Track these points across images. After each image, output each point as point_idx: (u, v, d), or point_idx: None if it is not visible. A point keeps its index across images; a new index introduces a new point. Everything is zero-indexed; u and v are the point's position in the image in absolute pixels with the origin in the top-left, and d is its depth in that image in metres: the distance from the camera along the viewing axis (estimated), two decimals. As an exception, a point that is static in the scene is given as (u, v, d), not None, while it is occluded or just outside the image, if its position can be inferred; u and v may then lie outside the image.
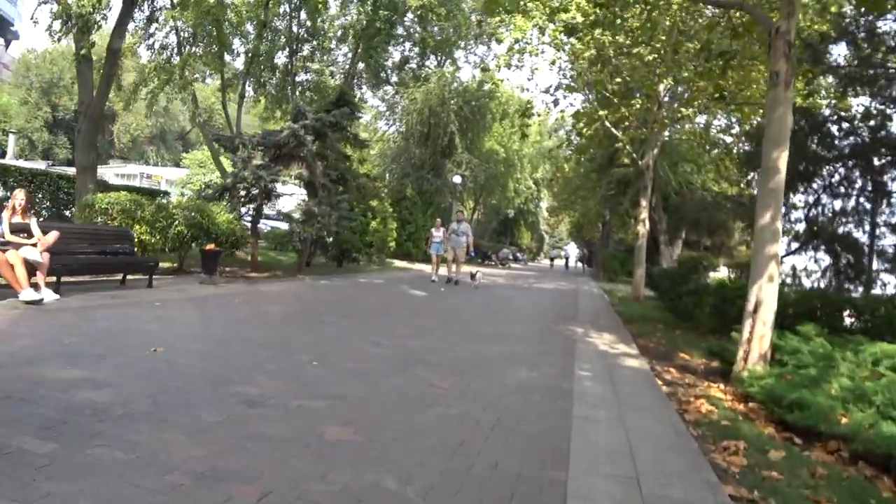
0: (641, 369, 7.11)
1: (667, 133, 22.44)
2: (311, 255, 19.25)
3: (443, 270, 18.30)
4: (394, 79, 36.34)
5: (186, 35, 21.78)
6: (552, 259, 68.00)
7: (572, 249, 64.62)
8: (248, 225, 15.40)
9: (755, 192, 16.07)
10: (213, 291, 10.90)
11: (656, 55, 15.16)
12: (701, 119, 22.08)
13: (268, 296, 11.32)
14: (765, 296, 6.63)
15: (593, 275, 41.25)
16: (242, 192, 14.50)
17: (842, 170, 14.31)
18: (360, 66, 31.61)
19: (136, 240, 11.88)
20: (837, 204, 14.90)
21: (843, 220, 15.24)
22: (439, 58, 36.87)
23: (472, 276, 17.58)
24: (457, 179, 33.04)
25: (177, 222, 12.52)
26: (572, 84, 18.75)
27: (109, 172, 53.59)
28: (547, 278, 29.77)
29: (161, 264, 13.81)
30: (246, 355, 5.68)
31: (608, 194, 30.49)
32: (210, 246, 12.16)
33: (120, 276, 10.76)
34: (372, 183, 25.73)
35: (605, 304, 16.92)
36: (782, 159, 6.64)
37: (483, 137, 39.61)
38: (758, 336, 6.63)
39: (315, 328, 7.82)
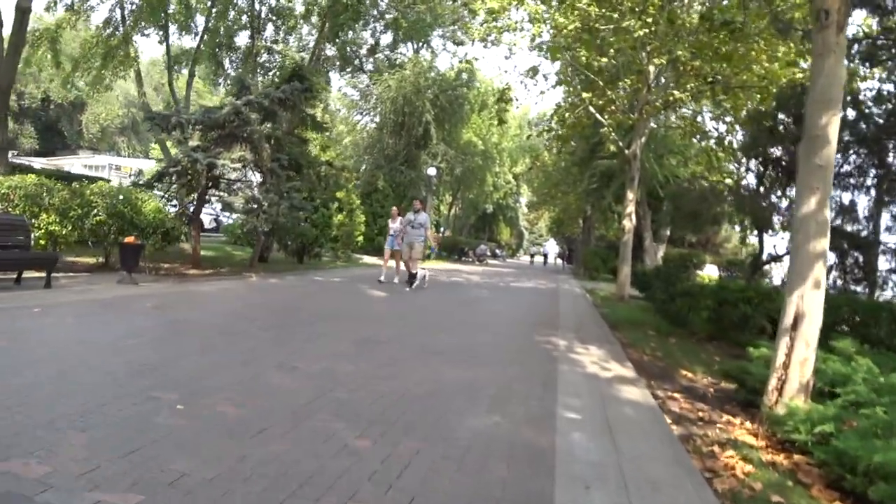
0: (645, 404, 5.43)
1: (653, 122, 20.90)
2: (265, 249, 17.48)
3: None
4: (369, 67, 34.58)
5: (133, 8, 19.84)
6: (532, 256, 66.61)
7: (552, 246, 63.50)
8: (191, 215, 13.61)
9: (751, 183, 14.54)
10: (127, 293, 9.11)
11: (647, 30, 13.53)
12: (689, 108, 20.64)
13: (194, 298, 9.53)
14: (808, 307, 4.99)
15: (574, 272, 39.75)
16: (180, 178, 12.68)
17: (853, 158, 12.76)
18: (331, 51, 29.89)
19: (41, 231, 10.09)
20: (846, 197, 13.31)
21: (852, 214, 13.68)
22: (415, 45, 35.22)
23: (411, 277, 14.04)
24: (431, 171, 31.34)
25: (95, 211, 10.70)
26: (554, 53, 17.01)
27: (77, 163, 51.48)
28: (526, 276, 28.14)
29: (84, 260, 12.06)
30: (74, 395, 3.88)
31: (590, 188, 28.97)
32: (129, 239, 10.32)
33: (15, 275, 9.02)
34: (338, 172, 23.95)
35: (589, 305, 15.31)
36: (833, 125, 5.01)
37: (460, 129, 37.97)
38: (798, 360, 5.00)
39: (222, 344, 6.04)
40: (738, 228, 19.40)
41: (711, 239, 33.46)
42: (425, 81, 32.65)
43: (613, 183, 26.64)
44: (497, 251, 58.15)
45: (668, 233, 29.10)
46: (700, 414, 5.54)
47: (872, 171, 13.08)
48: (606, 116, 16.84)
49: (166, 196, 13.78)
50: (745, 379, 5.96)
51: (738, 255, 32.07)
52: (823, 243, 5.04)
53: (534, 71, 18.44)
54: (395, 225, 15.35)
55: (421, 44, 34.60)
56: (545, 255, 60.50)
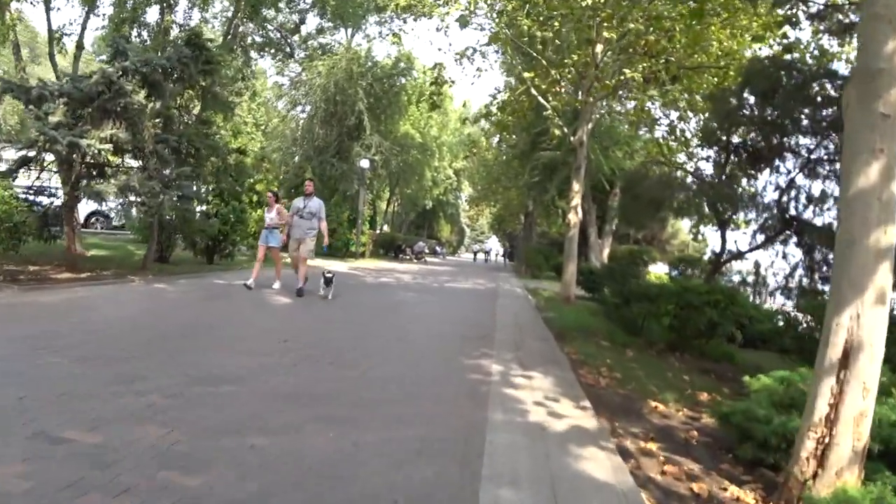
0: (615, 479, 3.57)
1: (601, 109, 19.35)
2: (165, 248, 15.17)
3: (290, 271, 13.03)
4: (302, 55, 32.22)
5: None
6: (475, 253, 65.34)
7: (494, 243, 62.70)
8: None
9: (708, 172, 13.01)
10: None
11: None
12: (638, 96, 19.17)
13: (12, 314, 7.24)
14: (867, 332, 3.25)
15: (516, 270, 38.25)
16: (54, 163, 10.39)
17: (827, 144, 11.29)
18: (256, 34, 27.60)
19: None
20: (816, 187, 11.83)
21: (822, 206, 12.15)
22: (349, 31, 33.05)
23: (327, 281, 11.05)
24: (364, 163, 29.21)
25: None
26: (493, 31, 15.19)
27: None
28: (463, 275, 26.34)
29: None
30: None
31: (532, 181, 27.32)
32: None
33: None
34: (257, 162, 21.69)
35: (531, 309, 13.55)
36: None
37: (397, 120, 35.93)
38: (851, 414, 3.26)
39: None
40: (689, 222, 17.97)
41: (658, 235, 32.31)
42: (359, 68, 30.50)
43: (557, 175, 25.04)
44: (437, 248, 56.50)
45: (615, 228, 27.77)
46: (694, 486, 3.76)
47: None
48: (550, 99, 15.10)
49: (32, 187, 11.49)
50: (751, 428, 4.18)
51: (685, 251, 31.03)
52: (891, 235, 3.27)
53: (467, 52, 16.66)
54: (271, 215, 12.04)
55: (355, 29, 32.46)
56: (486, 253, 59.67)
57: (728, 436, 4.59)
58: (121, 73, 10.43)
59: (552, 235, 41.22)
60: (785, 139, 11.64)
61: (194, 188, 12.75)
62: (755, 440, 4.12)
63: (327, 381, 5.11)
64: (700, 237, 17.97)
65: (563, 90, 15.14)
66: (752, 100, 11.64)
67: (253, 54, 34.40)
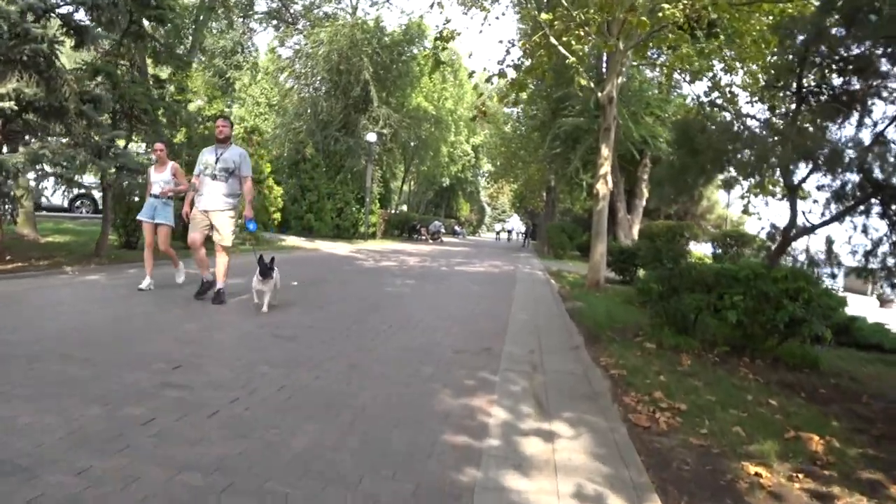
0: None
1: (631, 62, 16.84)
2: (132, 231, 13.09)
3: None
4: (306, 25, 29.96)
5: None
6: (497, 232, 63.08)
7: (515, 222, 60.48)
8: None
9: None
10: None
11: None
12: (667, 51, 16.65)
13: None
14: None
15: (537, 250, 35.88)
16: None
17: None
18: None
19: None
20: (914, 143, 9.28)
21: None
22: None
23: (263, 272, 6.92)
24: (371, 137, 26.91)
25: None
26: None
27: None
28: (479, 256, 24.02)
29: None
30: None
31: (553, 153, 24.89)
32: None
33: None
34: (246, 136, 19.50)
35: (553, 299, 11.24)
36: None
37: (409, 93, 33.56)
38: None
39: None
40: (739, 190, 15.43)
41: (692, 209, 29.73)
42: (362, 34, 28.13)
43: (581, 144, 22.63)
44: (456, 228, 54.26)
45: (644, 202, 25.28)
46: None
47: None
48: (574, 43, 12.64)
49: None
50: None
51: (722, 227, 28.41)
52: None
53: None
54: (161, 176, 8.25)
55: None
56: (509, 232, 57.51)
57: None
58: (24, 10, 8.20)
59: (576, 212, 38.75)
60: (875, 82, 9.12)
61: (139, 158, 10.54)
62: None
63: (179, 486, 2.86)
64: (753, 209, 15.45)
65: (587, 34, 12.64)
66: (832, 30, 9.18)
67: (254, 25, 32.41)
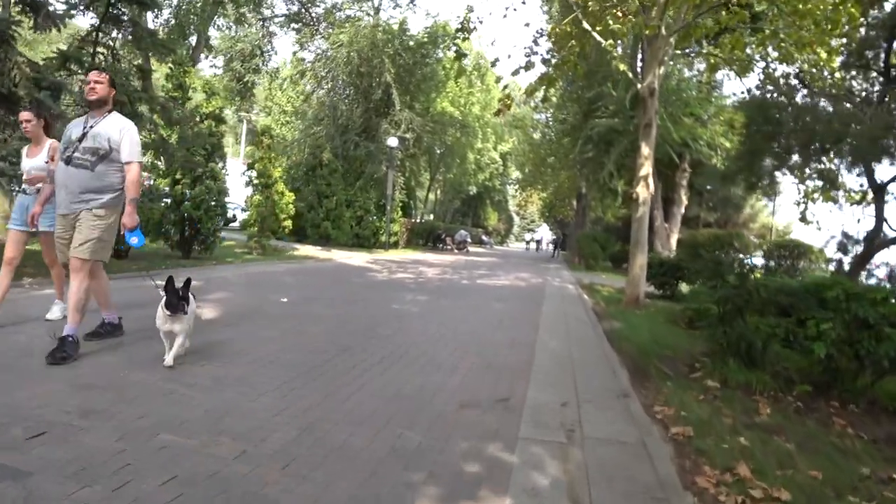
0: None
1: (669, 54, 15.25)
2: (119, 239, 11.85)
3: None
4: (326, 26, 28.88)
5: None
6: (528, 242, 61.61)
7: (544, 231, 59.33)
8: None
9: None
10: None
11: None
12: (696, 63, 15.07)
13: None
14: None
15: (567, 260, 34.23)
16: None
17: None
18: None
19: None
20: None
21: None
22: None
23: (171, 306, 4.36)
24: (392, 142, 25.58)
25: None
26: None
27: None
28: (505, 268, 22.47)
29: None
30: None
31: (585, 157, 23.30)
32: None
33: None
34: (258, 138, 18.26)
35: (587, 318, 9.70)
36: None
37: (434, 98, 32.25)
38: None
39: None
40: (797, 194, 13.75)
41: (733, 218, 27.89)
42: (383, 34, 26.88)
43: (615, 148, 21.02)
44: (483, 238, 52.73)
45: (683, 210, 23.55)
46: None
47: None
48: (611, 23, 11.14)
49: None
50: None
51: (766, 237, 26.54)
52: None
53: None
54: (34, 161, 5.62)
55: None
56: (538, 242, 56.08)
57: None
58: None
59: (608, 221, 37.03)
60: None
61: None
62: None
63: None
64: (811, 216, 13.76)
65: (625, 14, 11.14)
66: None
67: (274, 29, 31.37)
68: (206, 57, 23.62)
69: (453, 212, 55.73)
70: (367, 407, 3.90)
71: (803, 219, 13.76)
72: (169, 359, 4.41)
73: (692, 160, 22.31)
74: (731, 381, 5.90)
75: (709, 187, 26.97)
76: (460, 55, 14.44)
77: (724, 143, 20.88)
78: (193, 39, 22.19)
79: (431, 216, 50.42)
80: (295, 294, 9.36)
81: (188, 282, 4.52)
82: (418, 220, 40.16)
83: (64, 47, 9.48)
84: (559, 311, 10.12)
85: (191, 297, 4.54)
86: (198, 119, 13.40)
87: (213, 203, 13.57)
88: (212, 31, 32.00)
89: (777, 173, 9.10)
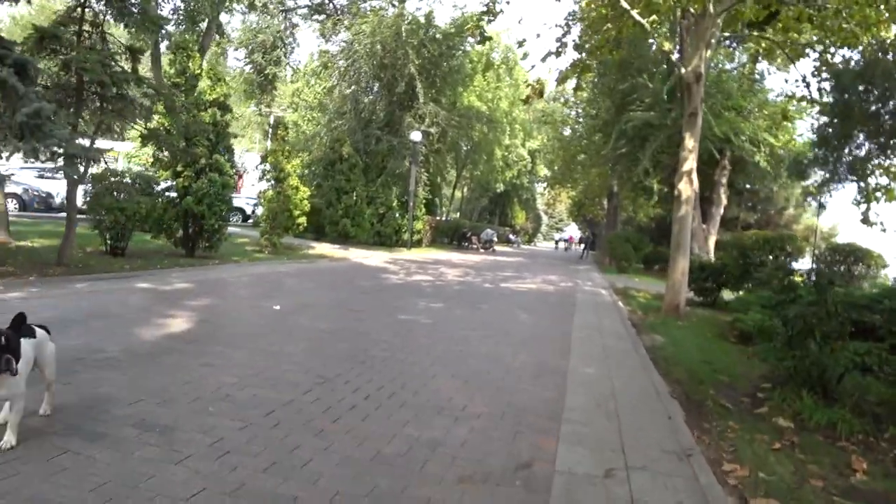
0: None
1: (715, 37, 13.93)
2: (119, 236, 10.93)
3: None
4: (349, 17, 27.85)
5: None
6: (556, 241, 60.31)
7: (573, 231, 58.08)
8: None
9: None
10: None
11: None
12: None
13: None
14: None
15: (597, 261, 32.83)
16: None
17: None
18: None
19: None
20: None
21: None
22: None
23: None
24: (416, 136, 24.43)
25: None
26: None
27: None
28: (533, 269, 21.24)
29: None
30: None
31: (618, 153, 21.90)
32: None
33: None
34: (279, 134, 17.28)
35: (625, 332, 8.47)
36: None
37: (461, 93, 31.10)
38: None
39: None
40: (858, 193, 12.39)
41: (774, 219, 26.29)
42: (408, 25, 25.75)
43: (650, 143, 19.60)
44: (510, 237, 51.34)
45: (721, 211, 22.06)
46: None
47: None
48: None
49: None
50: None
51: (810, 239, 24.90)
52: None
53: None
54: None
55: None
56: (567, 241, 54.75)
57: None
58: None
59: (640, 221, 35.56)
60: None
61: (84, 142, 8.29)
62: None
63: None
64: (875, 217, 12.35)
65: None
66: None
67: (297, 20, 30.48)
68: (219, 45, 22.62)
69: (480, 210, 54.43)
70: (328, 482, 2.77)
71: (865, 220, 12.35)
72: (9, 438, 2.89)
73: (732, 157, 20.87)
74: (807, 418, 4.72)
75: (748, 186, 25.50)
76: (484, 38, 13.25)
77: (769, 139, 19.42)
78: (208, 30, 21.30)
79: (458, 214, 49.22)
80: (290, 300, 8.27)
81: (19, 322, 3.06)
82: (444, 219, 38.97)
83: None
84: (593, 323, 8.89)
85: (31, 343, 3.12)
86: (201, 107, 12.40)
87: (217, 198, 12.54)
88: (234, 23, 31.41)
89: (875, 161, 7.92)
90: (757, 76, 20.52)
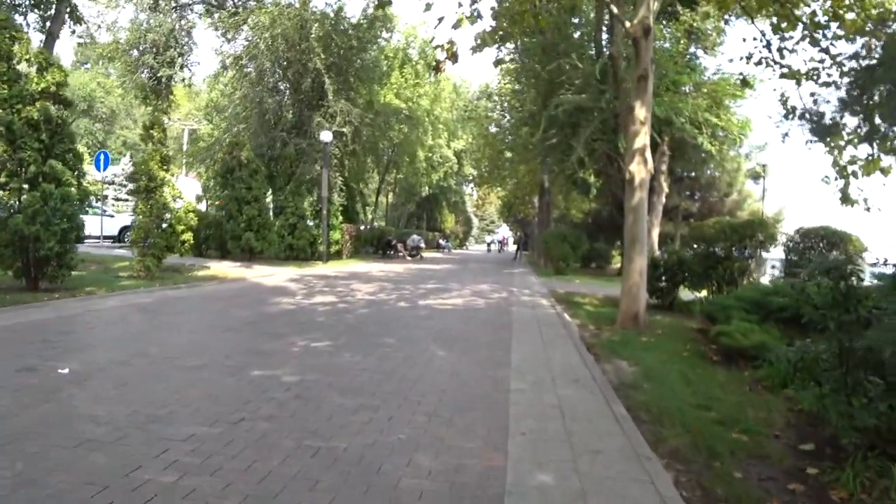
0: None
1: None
2: None
3: None
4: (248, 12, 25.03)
5: None
6: (489, 244, 59.40)
7: (505, 232, 57.61)
8: None
9: None
10: None
11: None
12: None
13: None
14: None
15: (532, 262, 30.90)
16: None
17: None
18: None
19: None
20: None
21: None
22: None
23: None
24: (326, 136, 21.78)
25: None
26: None
27: None
28: (462, 276, 18.98)
29: None
30: None
31: (548, 144, 19.78)
32: None
33: None
34: (145, 132, 14.44)
35: (583, 368, 6.14)
36: None
37: (377, 89, 28.83)
38: None
39: None
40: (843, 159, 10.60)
41: (716, 207, 24.79)
42: (312, 16, 23.22)
43: (583, 129, 17.56)
44: (441, 241, 49.29)
45: (664, 200, 20.26)
46: None
47: None
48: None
49: None
50: None
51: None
52: None
53: None
54: None
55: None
56: (500, 243, 54.13)
57: None
58: None
59: (573, 217, 33.92)
60: None
61: None
62: None
63: None
64: (858, 194, 10.50)
65: None
66: None
67: (193, 18, 27.44)
68: (73, 33, 19.56)
69: (408, 216, 52.06)
70: None
71: (845, 198, 10.51)
72: None
73: (672, 141, 19.09)
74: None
75: (686, 174, 23.96)
76: (382, 4, 10.84)
77: (711, 118, 17.68)
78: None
79: (384, 222, 46.72)
80: (99, 354, 5.65)
81: None
82: (367, 227, 36.39)
83: None
84: (538, 357, 6.54)
85: None
86: (26, 101, 9.64)
87: (55, 214, 9.71)
88: (120, 20, 28.04)
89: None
90: (690, 55, 18.90)
